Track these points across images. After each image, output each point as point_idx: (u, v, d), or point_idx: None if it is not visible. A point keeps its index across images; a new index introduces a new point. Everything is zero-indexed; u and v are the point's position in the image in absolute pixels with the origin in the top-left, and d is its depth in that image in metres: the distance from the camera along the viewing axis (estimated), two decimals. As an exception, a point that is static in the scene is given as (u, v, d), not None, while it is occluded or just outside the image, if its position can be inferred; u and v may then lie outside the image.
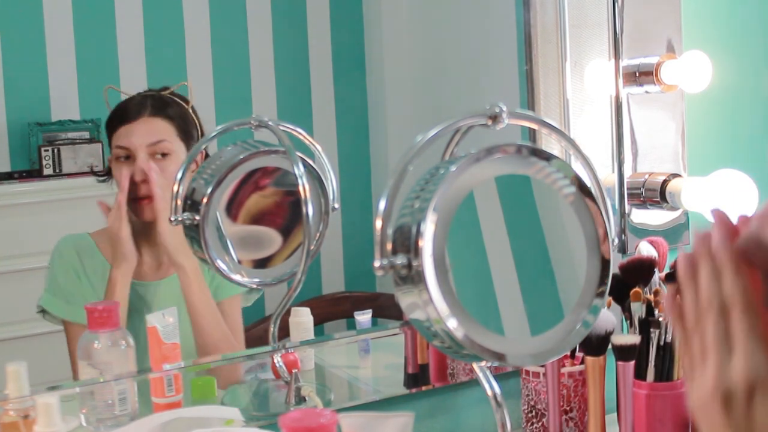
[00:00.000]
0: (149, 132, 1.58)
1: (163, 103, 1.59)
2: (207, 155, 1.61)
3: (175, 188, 1.53)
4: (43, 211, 1.62)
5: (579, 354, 1.62)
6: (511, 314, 1.17)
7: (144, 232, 1.59)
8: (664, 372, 1.54)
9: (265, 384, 1.65)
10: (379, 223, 1.13)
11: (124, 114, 1.58)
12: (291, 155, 1.55)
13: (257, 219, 1.62)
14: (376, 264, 1.12)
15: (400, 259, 1.12)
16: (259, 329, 1.66)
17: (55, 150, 1.59)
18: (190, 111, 1.61)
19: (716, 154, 1.97)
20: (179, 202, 1.54)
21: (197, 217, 1.53)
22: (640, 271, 1.61)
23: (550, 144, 1.70)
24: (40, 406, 1.28)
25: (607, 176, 1.80)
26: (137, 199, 1.56)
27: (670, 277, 1.63)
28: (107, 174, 1.59)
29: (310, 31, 1.80)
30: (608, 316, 1.52)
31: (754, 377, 0.81)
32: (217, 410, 1.49)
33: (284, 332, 1.65)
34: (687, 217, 1.91)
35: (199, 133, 1.62)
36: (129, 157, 1.56)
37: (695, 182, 1.81)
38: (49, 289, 1.56)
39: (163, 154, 1.57)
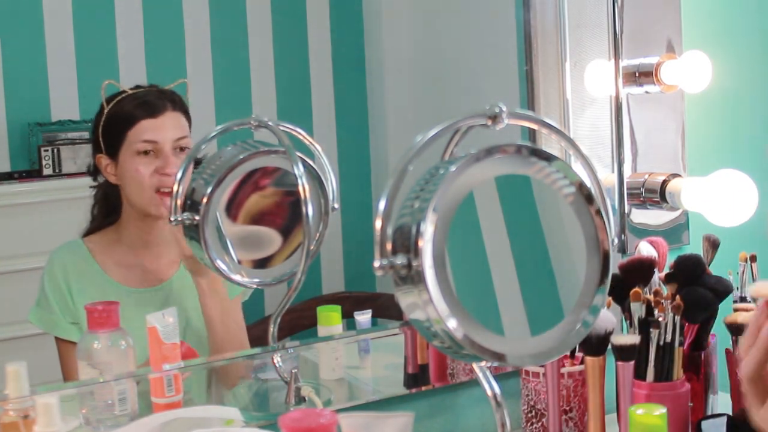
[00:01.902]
0: (175, 126, 1.57)
1: (180, 98, 1.59)
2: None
3: (175, 188, 1.53)
4: (43, 211, 1.62)
5: (579, 354, 1.62)
6: (511, 314, 1.17)
7: (142, 235, 1.59)
8: (664, 372, 1.54)
9: (265, 384, 1.65)
10: (379, 223, 1.13)
11: (147, 107, 1.56)
12: (291, 155, 1.55)
13: (257, 219, 1.62)
14: (376, 264, 1.12)
15: (400, 259, 1.11)
16: (259, 329, 1.66)
17: (55, 150, 1.59)
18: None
19: (716, 154, 1.97)
20: (179, 202, 1.53)
21: (197, 217, 1.53)
22: (639, 271, 1.61)
23: (550, 144, 1.70)
24: (40, 406, 1.28)
25: (607, 176, 1.80)
26: (162, 193, 1.56)
27: (670, 278, 1.63)
28: (96, 172, 1.58)
29: (310, 31, 1.80)
30: (608, 316, 1.52)
31: None
32: (217, 410, 1.48)
33: (284, 332, 1.65)
34: (687, 217, 1.91)
35: None
36: (151, 151, 1.55)
37: (695, 182, 1.81)
38: (38, 302, 1.56)
39: (181, 149, 1.57)
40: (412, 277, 1.12)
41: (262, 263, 1.62)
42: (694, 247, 1.85)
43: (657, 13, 1.85)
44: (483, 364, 1.21)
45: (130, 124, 1.55)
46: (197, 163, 1.57)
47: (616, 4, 1.77)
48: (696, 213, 1.84)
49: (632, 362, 1.54)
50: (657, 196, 1.83)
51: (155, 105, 1.56)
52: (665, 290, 1.61)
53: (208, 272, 1.57)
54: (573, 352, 1.63)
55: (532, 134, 1.72)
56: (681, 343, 1.55)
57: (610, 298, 1.59)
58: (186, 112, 1.59)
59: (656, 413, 1.40)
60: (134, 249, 1.60)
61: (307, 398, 1.60)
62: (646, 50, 1.83)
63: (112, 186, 1.57)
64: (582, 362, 1.59)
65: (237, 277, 1.58)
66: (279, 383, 1.62)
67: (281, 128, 1.58)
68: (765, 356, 0.97)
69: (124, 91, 1.56)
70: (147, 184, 1.55)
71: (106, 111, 1.55)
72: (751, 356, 0.98)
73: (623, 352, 1.53)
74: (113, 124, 1.56)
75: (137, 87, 1.57)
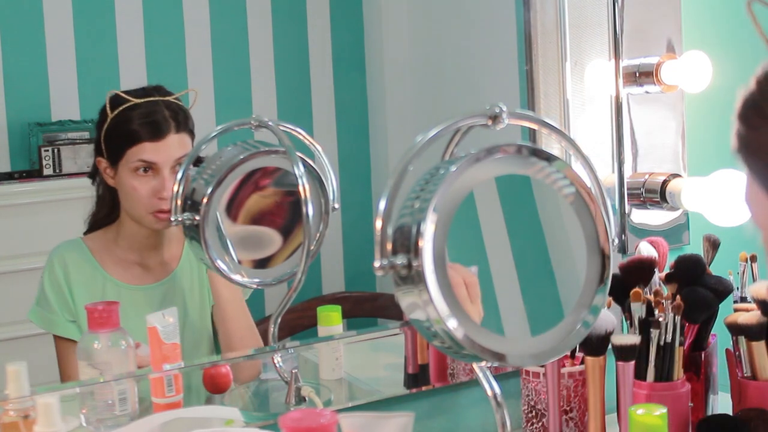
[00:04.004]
0: (177, 148, 1.55)
1: (185, 117, 1.57)
2: None
3: (175, 188, 1.53)
4: (43, 211, 1.62)
5: (579, 354, 1.62)
6: (511, 314, 1.17)
7: (140, 234, 1.59)
8: (664, 372, 1.54)
9: (265, 384, 1.65)
10: (379, 223, 1.13)
11: (152, 128, 1.54)
12: (291, 155, 1.55)
13: (257, 219, 1.62)
14: (376, 264, 1.12)
15: (400, 259, 1.11)
16: (259, 329, 1.66)
17: (55, 150, 1.59)
18: None
19: (716, 154, 1.97)
20: (179, 202, 1.53)
21: (197, 217, 1.53)
22: (640, 271, 1.61)
23: (550, 144, 1.70)
24: (40, 406, 1.28)
25: (607, 176, 1.80)
26: (161, 211, 1.55)
27: (670, 278, 1.63)
28: (96, 171, 1.58)
29: (310, 31, 1.80)
30: (608, 316, 1.52)
31: None
32: (217, 410, 1.49)
33: (284, 332, 1.65)
34: (687, 217, 1.91)
35: None
36: (149, 170, 1.55)
37: (695, 182, 1.81)
38: (38, 301, 1.56)
39: (180, 165, 1.56)
40: (412, 277, 1.12)
41: (262, 263, 1.62)
42: (695, 247, 1.85)
43: (657, 13, 1.85)
44: (483, 364, 1.21)
45: (131, 143, 1.54)
46: (197, 163, 1.57)
47: (616, 4, 1.77)
48: (696, 213, 1.84)
49: (632, 362, 1.53)
50: (657, 196, 1.83)
51: (160, 127, 1.54)
52: (665, 290, 1.61)
53: None
54: (573, 352, 1.63)
55: (532, 134, 1.72)
56: (681, 343, 1.55)
57: (611, 298, 1.58)
58: (191, 131, 1.58)
59: (656, 413, 1.40)
60: (133, 247, 1.60)
61: (307, 398, 1.60)
62: (646, 50, 1.83)
63: (109, 186, 1.57)
64: (582, 362, 1.59)
65: (237, 277, 1.59)
66: (279, 383, 1.62)
67: (281, 128, 1.58)
68: None
69: (129, 100, 1.54)
70: (143, 204, 1.55)
71: (110, 118, 1.54)
72: None
73: (623, 352, 1.53)
74: (115, 136, 1.55)
75: (143, 92, 1.56)
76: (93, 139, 1.58)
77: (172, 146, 1.55)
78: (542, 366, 1.60)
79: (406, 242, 1.12)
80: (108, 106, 1.54)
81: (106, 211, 1.60)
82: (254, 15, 1.74)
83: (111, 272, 1.58)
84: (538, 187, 1.20)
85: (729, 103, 2.13)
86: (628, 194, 1.81)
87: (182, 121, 1.57)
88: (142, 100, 1.55)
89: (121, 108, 1.54)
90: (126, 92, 1.55)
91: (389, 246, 1.13)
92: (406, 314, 1.17)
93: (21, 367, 1.34)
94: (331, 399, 1.64)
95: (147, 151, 1.54)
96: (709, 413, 1.65)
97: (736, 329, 1.60)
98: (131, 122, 1.54)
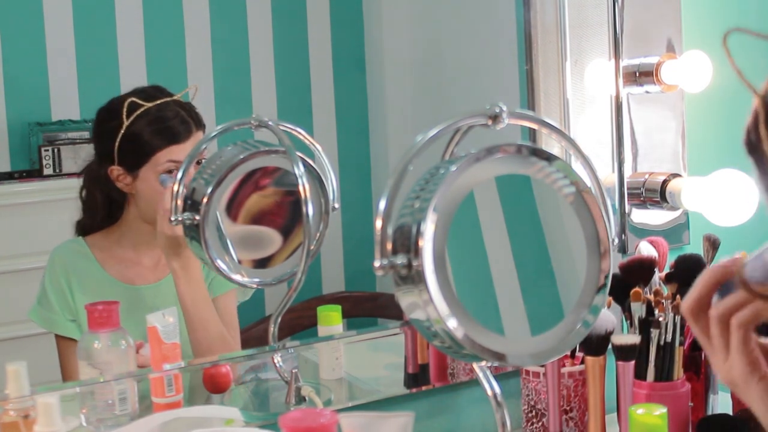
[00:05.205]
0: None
1: (197, 114, 1.59)
2: None
3: (175, 188, 1.53)
4: (43, 211, 1.62)
5: (579, 354, 1.62)
6: (511, 314, 1.17)
7: (144, 235, 1.59)
8: (664, 372, 1.54)
9: (265, 384, 1.65)
10: (379, 223, 1.13)
11: (173, 133, 1.56)
12: (291, 155, 1.55)
13: (257, 219, 1.62)
14: (376, 264, 1.12)
15: (400, 259, 1.11)
16: (259, 329, 1.66)
17: (55, 150, 1.59)
18: None
19: (716, 154, 1.97)
20: (179, 202, 1.53)
21: (197, 217, 1.53)
22: (640, 271, 1.61)
23: (550, 144, 1.70)
24: (40, 406, 1.28)
25: (607, 176, 1.80)
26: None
27: (670, 277, 1.63)
28: (91, 176, 1.57)
29: (310, 31, 1.80)
30: (608, 316, 1.52)
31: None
32: (217, 410, 1.49)
33: (284, 332, 1.65)
34: (687, 217, 1.91)
35: None
36: (174, 169, 1.55)
37: (695, 182, 1.81)
38: (39, 300, 1.56)
39: (198, 162, 1.57)
40: (413, 277, 1.12)
41: (262, 263, 1.62)
42: (695, 247, 1.85)
43: (657, 13, 1.85)
44: (483, 364, 1.21)
45: (156, 149, 1.55)
46: (198, 162, 1.57)
47: (616, 4, 1.77)
48: (696, 213, 1.84)
49: (632, 362, 1.54)
50: (657, 195, 1.83)
51: (180, 132, 1.56)
52: (665, 290, 1.61)
53: (182, 256, 1.56)
54: (573, 351, 1.63)
55: (532, 134, 1.72)
56: (681, 343, 1.55)
57: (611, 298, 1.59)
58: (204, 127, 1.60)
59: (656, 413, 1.40)
60: (135, 247, 1.60)
61: (307, 398, 1.60)
62: (646, 50, 1.83)
63: (117, 190, 1.57)
64: (582, 362, 1.59)
65: (237, 277, 1.59)
66: (279, 383, 1.62)
67: (281, 128, 1.58)
68: (706, 289, 0.93)
69: (142, 105, 1.54)
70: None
71: (125, 125, 1.53)
72: (693, 288, 0.92)
73: (623, 352, 1.53)
74: (136, 144, 1.55)
75: (146, 94, 1.55)
76: (101, 150, 1.57)
77: (194, 144, 1.56)
78: (542, 366, 1.60)
79: (406, 242, 1.12)
80: (125, 113, 1.53)
81: (101, 217, 1.59)
82: (254, 15, 1.74)
83: (111, 272, 1.58)
84: (538, 187, 1.20)
85: (729, 103, 2.13)
86: (628, 194, 1.81)
87: (197, 119, 1.59)
88: (154, 104, 1.55)
89: (135, 115, 1.54)
90: (133, 96, 1.54)
91: (389, 246, 1.13)
92: (406, 314, 1.17)
93: (21, 367, 1.34)
94: (331, 399, 1.64)
95: (175, 152, 1.55)
96: (709, 413, 1.65)
97: (736, 329, 1.59)
98: (152, 127, 1.55)
